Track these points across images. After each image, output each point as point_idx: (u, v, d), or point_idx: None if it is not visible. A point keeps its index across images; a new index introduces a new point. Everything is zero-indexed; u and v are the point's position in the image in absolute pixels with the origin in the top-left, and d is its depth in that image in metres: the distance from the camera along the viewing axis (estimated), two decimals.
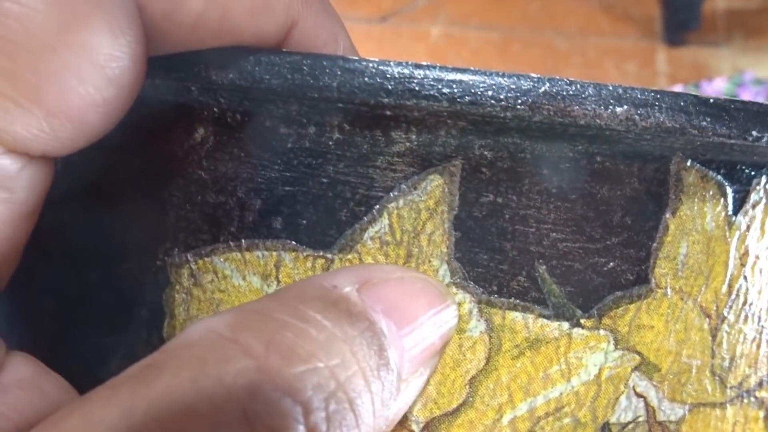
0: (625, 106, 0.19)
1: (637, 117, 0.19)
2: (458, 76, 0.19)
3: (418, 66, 0.20)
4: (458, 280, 0.21)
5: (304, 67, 0.20)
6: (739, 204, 0.21)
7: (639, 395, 0.21)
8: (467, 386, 0.21)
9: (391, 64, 0.20)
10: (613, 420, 0.21)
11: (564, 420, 0.21)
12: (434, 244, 0.21)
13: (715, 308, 0.21)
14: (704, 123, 0.19)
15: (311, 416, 0.16)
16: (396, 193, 0.21)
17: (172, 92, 0.21)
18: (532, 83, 0.19)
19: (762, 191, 0.21)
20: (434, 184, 0.21)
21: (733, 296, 0.21)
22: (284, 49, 0.21)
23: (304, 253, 0.21)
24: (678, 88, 1.35)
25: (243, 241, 0.21)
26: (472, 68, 0.20)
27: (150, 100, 0.20)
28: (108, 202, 0.22)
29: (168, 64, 0.20)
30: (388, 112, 0.20)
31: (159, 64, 0.20)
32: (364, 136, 0.20)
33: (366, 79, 0.20)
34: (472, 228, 0.21)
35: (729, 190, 0.21)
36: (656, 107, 0.19)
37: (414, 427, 0.21)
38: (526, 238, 0.21)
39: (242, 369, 0.16)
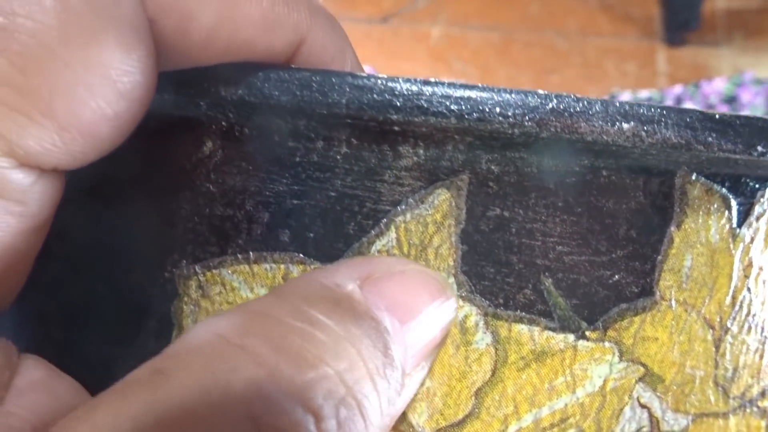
0: (632, 123, 0.19)
1: (643, 133, 0.19)
2: (466, 93, 0.20)
3: (426, 83, 0.20)
4: (465, 293, 0.21)
5: (313, 84, 0.20)
6: (744, 216, 0.21)
7: (643, 406, 0.21)
8: (473, 397, 0.21)
9: (400, 80, 0.20)
10: (617, 431, 0.21)
11: (569, 431, 0.21)
12: (441, 257, 0.21)
13: (718, 319, 0.21)
14: (710, 139, 0.20)
15: (323, 424, 0.16)
16: (403, 206, 0.21)
17: (181, 106, 0.21)
18: (539, 100, 0.20)
19: (766, 203, 0.21)
20: (441, 198, 0.21)
21: (736, 307, 0.21)
22: (293, 65, 0.21)
23: (312, 266, 0.21)
24: (678, 88, 1.35)
25: (251, 253, 0.21)
26: (480, 85, 0.20)
27: (159, 114, 0.20)
28: (116, 213, 0.22)
29: (177, 80, 0.20)
30: (396, 128, 0.20)
31: (168, 80, 0.20)
32: (372, 151, 0.21)
33: (375, 95, 0.20)
34: (478, 241, 0.21)
35: (733, 203, 0.21)
36: (662, 123, 0.19)
37: None
38: (532, 251, 0.21)
39: (251, 377, 0.16)
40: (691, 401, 0.21)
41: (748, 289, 0.21)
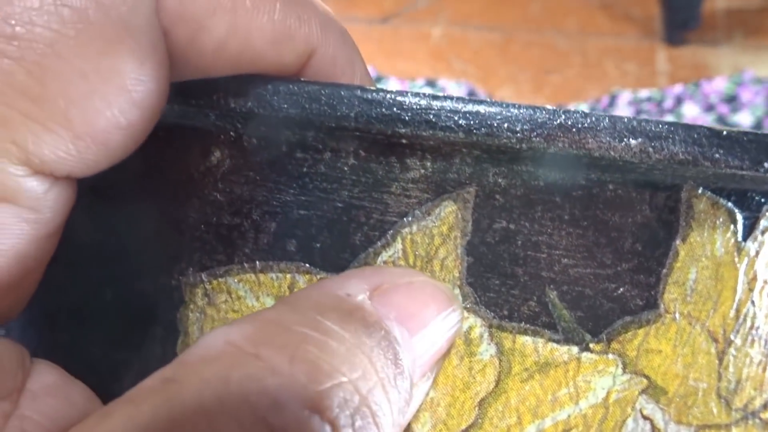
0: (640, 139, 0.20)
1: (651, 149, 0.20)
2: (474, 108, 0.20)
3: (435, 97, 0.20)
4: (470, 304, 0.21)
5: (322, 97, 0.20)
6: (749, 230, 0.21)
7: (646, 418, 0.21)
8: (476, 408, 0.21)
9: (408, 95, 0.20)
10: None
11: None
12: (447, 269, 0.21)
13: (722, 332, 0.21)
14: (717, 155, 0.20)
15: None
16: (410, 218, 0.21)
17: (190, 116, 0.21)
18: (547, 115, 0.20)
19: None
20: (448, 210, 0.21)
21: (740, 320, 0.21)
22: (302, 78, 0.21)
23: (318, 276, 0.21)
24: (678, 87, 1.35)
25: (257, 262, 0.21)
26: (488, 100, 0.20)
27: (168, 123, 0.20)
28: (125, 220, 0.23)
29: (187, 91, 0.20)
30: (404, 141, 0.20)
31: (179, 91, 0.20)
32: (380, 163, 0.21)
33: (383, 109, 0.20)
34: (484, 253, 0.21)
35: (739, 217, 0.21)
36: (670, 140, 0.20)
37: None
38: (537, 263, 0.21)
39: (266, 385, 0.16)
40: (694, 413, 0.21)
41: (753, 303, 0.21)
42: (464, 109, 0.20)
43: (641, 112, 1.32)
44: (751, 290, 0.21)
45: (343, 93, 0.20)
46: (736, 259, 0.21)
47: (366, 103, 0.20)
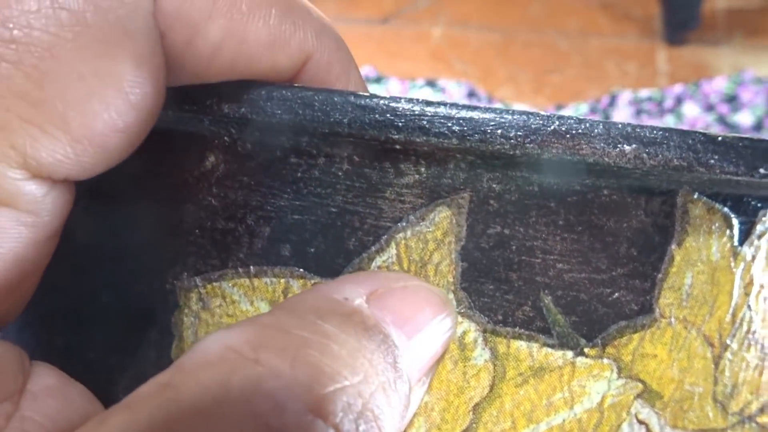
0: (634, 145, 0.19)
1: (645, 155, 0.19)
2: (468, 114, 0.20)
3: (428, 103, 0.20)
4: (464, 309, 0.21)
5: (316, 103, 0.20)
6: (745, 235, 0.21)
7: (641, 422, 0.21)
8: (471, 413, 0.21)
9: (402, 100, 0.20)
10: None
11: None
12: (441, 274, 0.21)
13: (718, 337, 0.21)
14: (712, 161, 0.19)
15: None
16: (404, 223, 0.21)
17: (185, 122, 0.21)
18: (541, 121, 0.20)
19: None
20: (442, 215, 0.21)
21: (736, 325, 0.21)
22: (296, 84, 0.21)
23: (312, 281, 0.21)
24: (678, 87, 1.35)
25: (251, 267, 0.21)
26: (482, 106, 0.20)
27: (163, 128, 0.20)
28: (120, 225, 0.23)
29: (182, 96, 0.20)
30: (398, 146, 0.20)
31: (173, 96, 0.20)
32: (374, 168, 0.21)
33: (376, 116, 0.20)
34: (478, 258, 0.21)
35: (735, 222, 0.21)
36: (664, 145, 0.19)
37: None
38: (532, 268, 0.21)
39: (268, 391, 0.16)
40: (690, 417, 0.21)
41: (749, 307, 0.21)
42: (458, 115, 0.20)
43: (641, 112, 1.32)
44: (747, 295, 0.21)
45: (336, 99, 0.20)
46: (732, 264, 0.21)
47: (359, 109, 0.20)
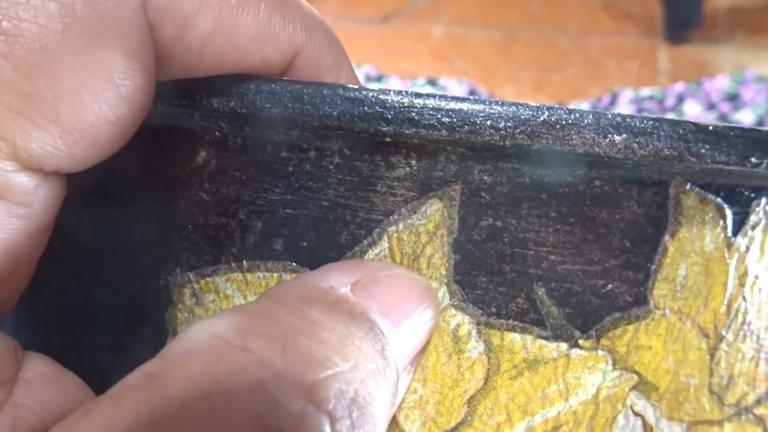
0: (624, 135, 0.19)
1: (635, 145, 0.19)
2: (457, 105, 0.20)
3: (417, 95, 0.20)
4: (457, 302, 0.21)
5: (305, 96, 0.20)
6: (739, 225, 0.21)
7: (637, 414, 0.21)
8: (466, 405, 0.21)
9: (391, 93, 0.20)
10: None
11: None
12: (433, 266, 0.21)
13: (713, 328, 0.21)
14: (703, 150, 0.19)
15: (337, 425, 0.16)
16: (396, 216, 0.21)
17: (175, 117, 0.21)
18: (531, 112, 0.19)
19: (762, 213, 0.21)
20: (434, 208, 0.21)
21: (731, 316, 0.21)
22: (287, 77, 0.21)
23: None
24: (680, 85, 1.35)
25: (244, 262, 0.21)
26: (471, 97, 0.20)
27: (153, 124, 0.20)
28: (112, 222, 0.23)
29: (171, 91, 0.20)
30: (388, 139, 0.20)
31: (162, 91, 0.20)
32: (365, 161, 0.21)
33: (366, 108, 0.20)
34: (471, 251, 0.21)
35: (728, 212, 0.21)
36: (655, 135, 0.19)
37: None
38: (525, 260, 0.21)
39: (257, 379, 0.16)
40: (686, 409, 0.21)
41: (744, 298, 0.21)
42: (447, 107, 0.20)
43: (643, 111, 1.32)
44: (742, 285, 0.21)
45: (325, 92, 0.20)
46: (726, 255, 0.21)
47: (348, 101, 0.20)
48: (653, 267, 0.21)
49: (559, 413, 0.21)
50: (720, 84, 1.35)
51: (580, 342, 0.21)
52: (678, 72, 1.41)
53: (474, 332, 0.21)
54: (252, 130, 0.21)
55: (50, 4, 0.17)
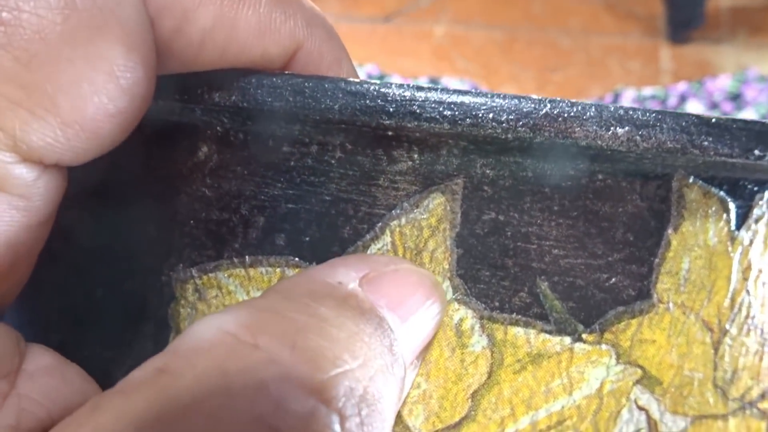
0: (627, 127, 0.19)
1: (638, 138, 0.19)
2: (459, 99, 0.20)
3: (419, 88, 0.20)
4: (460, 296, 0.21)
5: (306, 90, 0.20)
6: (742, 219, 0.21)
7: (641, 408, 0.21)
8: (469, 400, 0.21)
9: (393, 86, 0.20)
10: None
11: None
12: (436, 261, 0.21)
13: (717, 322, 0.21)
14: (706, 143, 0.19)
15: (347, 423, 0.16)
16: (398, 211, 0.21)
17: (176, 112, 0.21)
18: (533, 105, 0.19)
19: (765, 206, 0.21)
20: (436, 202, 0.21)
21: (735, 310, 0.21)
22: (287, 72, 0.21)
23: None
24: (682, 85, 1.35)
25: (247, 257, 0.21)
26: (473, 90, 0.20)
27: (154, 119, 0.20)
28: (114, 218, 0.22)
29: (172, 86, 0.20)
30: (390, 133, 0.20)
31: (163, 85, 0.20)
32: (367, 155, 0.21)
33: (367, 101, 0.20)
34: (474, 245, 0.21)
35: (732, 206, 0.21)
36: (657, 128, 0.19)
37: None
38: (527, 254, 0.21)
39: (268, 378, 0.16)
40: (690, 403, 0.21)
41: (747, 292, 0.21)
42: (449, 100, 0.20)
43: None
44: (745, 279, 0.21)
45: (327, 85, 0.20)
46: (730, 249, 0.21)
47: (350, 95, 0.20)
48: (656, 261, 0.21)
49: (562, 407, 0.21)
50: (722, 83, 1.35)
51: (584, 336, 0.21)
52: (680, 71, 1.41)
53: (477, 326, 0.21)
54: (253, 124, 0.21)
55: None
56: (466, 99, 0.20)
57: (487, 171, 0.21)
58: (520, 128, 0.19)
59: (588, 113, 0.19)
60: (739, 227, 0.21)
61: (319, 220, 0.21)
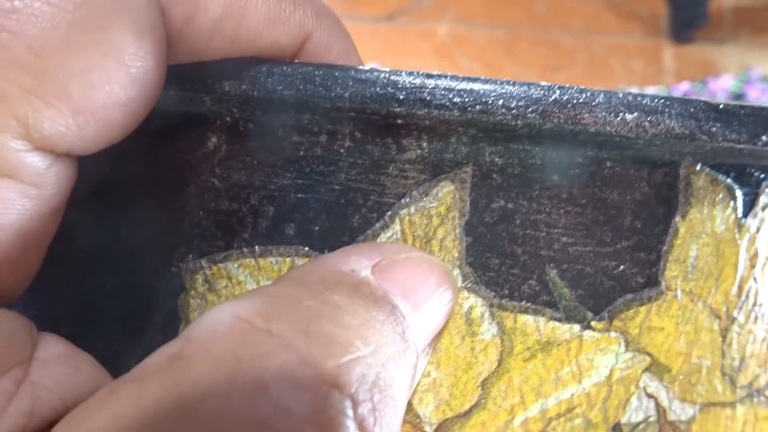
0: (636, 113, 0.19)
1: (647, 124, 0.19)
2: (469, 86, 0.20)
3: (429, 75, 0.20)
4: (470, 284, 0.21)
5: (316, 78, 0.20)
6: (749, 206, 0.21)
7: (650, 396, 0.21)
8: (479, 388, 0.21)
9: (403, 73, 0.20)
10: (624, 420, 0.21)
11: (575, 421, 0.21)
12: (446, 249, 0.21)
13: (725, 309, 0.21)
14: (714, 129, 0.19)
15: (359, 408, 0.16)
16: (407, 199, 0.21)
17: (186, 102, 0.21)
18: (542, 91, 0.20)
19: None
20: (445, 190, 0.21)
21: (743, 297, 0.21)
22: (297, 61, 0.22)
23: None
24: (685, 85, 1.35)
25: (256, 247, 0.21)
26: (482, 77, 0.20)
27: (163, 110, 0.20)
28: (123, 209, 0.23)
29: (182, 75, 0.20)
30: (400, 121, 0.20)
31: (173, 75, 0.20)
32: (376, 144, 0.21)
33: (378, 89, 0.20)
34: (483, 233, 0.21)
35: (739, 193, 0.21)
36: (666, 114, 0.19)
37: (427, 428, 0.21)
38: (536, 242, 0.21)
39: (282, 363, 0.16)
40: (698, 391, 0.21)
41: (755, 279, 0.21)
42: (459, 87, 0.20)
43: None
44: (753, 267, 0.21)
45: (337, 73, 0.20)
46: (737, 236, 0.21)
47: (360, 83, 0.20)
48: (664, 248, 0.21)
49: (572, 395, 0.21)
50: (725, 83, 1.35)
51: (593, 324, 0.21)
52: (683, 71, 1.41)
53: (487, 315, 0.21)
54: (263, 114, 0.21)
55: None
56: (476, 86, 0.20)
57: (496, 159, 0.21)
58: (529, 114, 0.20)
59: (597, 99, 0.20)
60: (746, 215, 0.21)
61: (328, 209, 0.21)
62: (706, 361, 0.21)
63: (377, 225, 0.21)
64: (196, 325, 0.17)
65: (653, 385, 0.21)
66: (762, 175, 0.21)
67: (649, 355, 0.21)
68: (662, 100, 0.20)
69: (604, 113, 0.19)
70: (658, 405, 0.21)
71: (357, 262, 0.19)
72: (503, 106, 0.20)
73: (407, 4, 1.49)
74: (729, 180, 0.21)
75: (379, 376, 0.17)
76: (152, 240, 0.22)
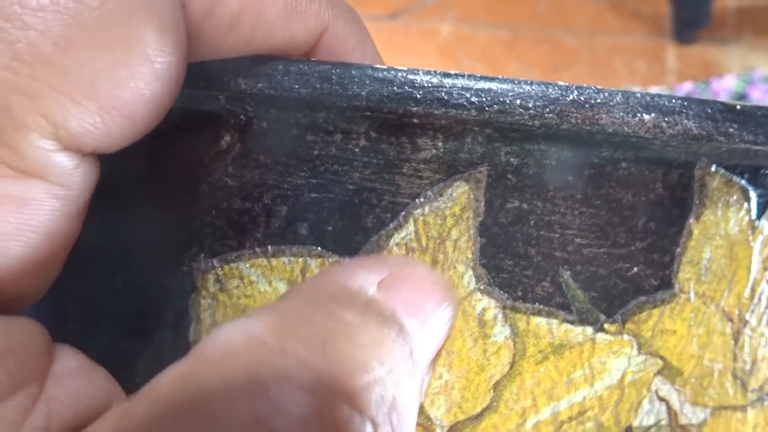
0: (653, 114, 0.19)
1: (664, 124, 0.19)
2: (486, 85, 0.20)
3: (446, 75, 0.20)
4: (483, 285, 0.21)
5: (333, 77, 0.20)
6: (763, 208, 0.21)
7: (661, 399, 0.21)
8: (491, 391, 0.21)
9: (420, 72, 0.20)
10: (635, 423, 0.21)
11: (587, 424, 0.21)
12: (459, 250, 0.21)
13: (737, 312, 0.21)
14: (731, 130, 0.19)
15: (380, 431, 0.16)
16: (422, 199, 0.21)
17: (200, 100, 0.21)
18: (560, 91, 0.19)
19: None
20: (460, 190, 0.21)
21: (755, 300, 0.21)
22: (313, 58, 0.21)
23: (330, 259, 0.21)
24: (687, 85, 1.35)
25: (269, 247, 0.21)
26: (500, 77, 0.20)
27: (177, 108, 0.20)
28: (136, 207, 0.22)
29: (197, 73, 0.20)
30: (416, 120, 0.20)
31: (188, 73, 0.20)
32: (391, 143, 0.21)
33: (395, 88, 0.20)
34: (497, 234, 0.21)
35: (753, 195, 0.21)
36: (684, 114, 0.19)
37: (438, 431, 0.21)
38: (550, 243, 0.21)
39: (300, 384, 0.16)
40: (710, 394, 0.21)
41: (767, 282, 0.21)
42: (476, 86, 0.20)
43: None
44: (765, 269, 0.21)
45: (354, 72, 0.20)
46: (750, 238, 0.21)
47: (377, 81, 0.20)
48: (678, 250, 0.21)
49: (584, 398, 0.21)
50: (728, 84, 1.35)
51: (606, 326, 0.21)
52: (686, 71, 1.41)
53: (500, 316, 0.21)
54: (277, 112, 0.21)
55: None
56: (493, 85, 0.20)
57: (512, 159, 0.21)
58: (547, 114, 0.19)
59: (615, 99, 0.19)
60: (759, 216, 0.21)
61: (342, 209, 0.21)
62: (717, 365, 0.21)
63: (391, 225, 0.21)
64: (208, 344, 0.17)
65: (665, 389, 0.21)
66: None
67: (662, 358, 0.21)
68: (680, 101, 0.19)
69: (621, 114, 0.19)
70: (669, 408, 0.21)
71: (365, 278, 0.19)
72: (521, 105, 0.19)
73: (410, 3, 1.49)
74: (743, 181, 0.21)
75: (396, 398, 0.17)
76: (164, 239, 0.22)
